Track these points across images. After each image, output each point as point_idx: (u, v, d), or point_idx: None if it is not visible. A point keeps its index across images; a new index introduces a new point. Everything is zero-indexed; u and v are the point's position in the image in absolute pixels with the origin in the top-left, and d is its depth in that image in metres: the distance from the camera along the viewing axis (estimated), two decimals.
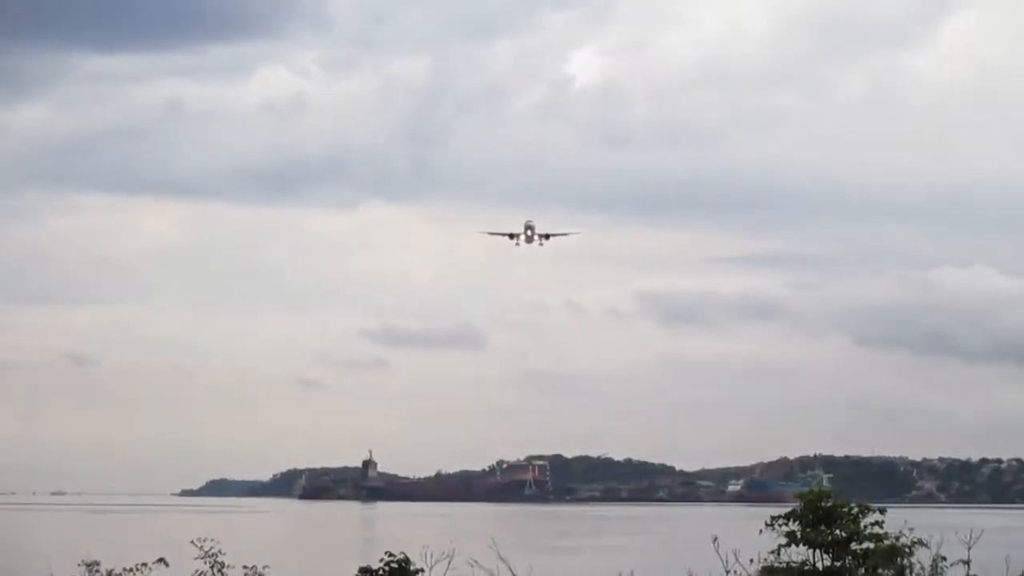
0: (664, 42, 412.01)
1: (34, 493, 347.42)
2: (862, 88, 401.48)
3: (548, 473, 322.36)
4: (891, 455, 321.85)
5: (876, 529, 28.90)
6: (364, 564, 27.02)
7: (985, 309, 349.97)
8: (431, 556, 26.77)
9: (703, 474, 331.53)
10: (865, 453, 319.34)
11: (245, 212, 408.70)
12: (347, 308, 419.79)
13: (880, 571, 28.51)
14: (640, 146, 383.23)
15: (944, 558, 28.66)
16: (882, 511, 29.41)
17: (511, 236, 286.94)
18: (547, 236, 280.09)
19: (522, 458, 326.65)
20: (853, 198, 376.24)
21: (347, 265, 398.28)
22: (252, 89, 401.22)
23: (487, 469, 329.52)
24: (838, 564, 28.68)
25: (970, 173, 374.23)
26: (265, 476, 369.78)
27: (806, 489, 30.36)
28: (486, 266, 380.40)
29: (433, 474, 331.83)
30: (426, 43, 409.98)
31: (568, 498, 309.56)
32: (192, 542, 26.47)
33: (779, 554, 28.85)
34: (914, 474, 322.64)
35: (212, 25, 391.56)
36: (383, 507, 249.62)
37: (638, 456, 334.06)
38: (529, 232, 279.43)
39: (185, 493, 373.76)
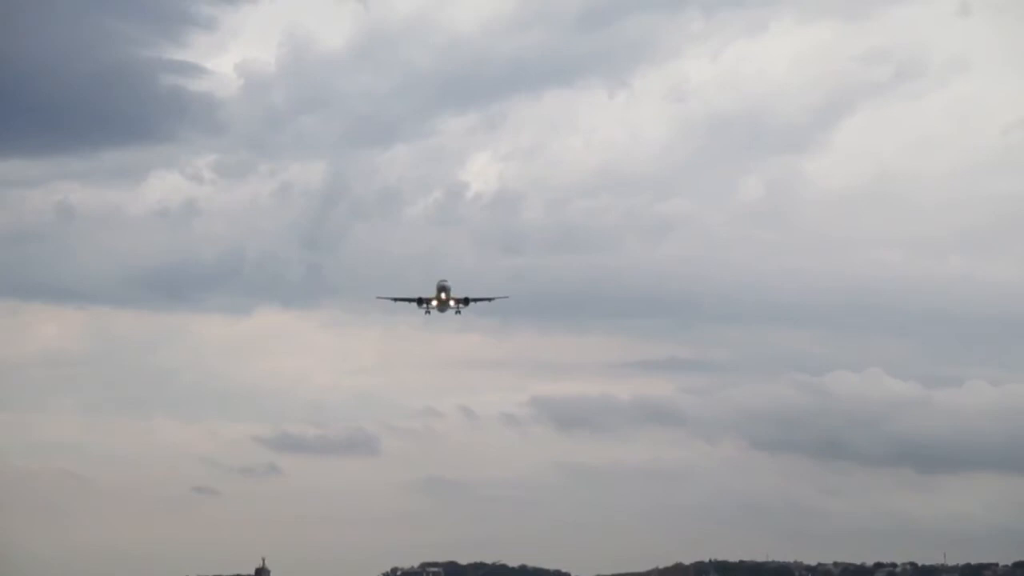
0: (560, 147, 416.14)
1: None
2: (757, 193, 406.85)
3: None
4: (786, 559, 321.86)
5: None
6: None
7: (879, 412, 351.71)
8: None
9: None
10: (760, 558, 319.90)
11: (139, 317, 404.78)
12: (241, 414, 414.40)
13: None
14: (535, 251, 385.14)
15: None
16: None
17: (420, 303, 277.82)
18: (466, 301, 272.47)
19: (416, 565, 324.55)
20: (748, 302, 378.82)
21: (241, 371, 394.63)
22: (146, 194, 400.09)
23: None
24: None
25: (864, 277, 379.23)
26: None
27: None
28: (381, 372, 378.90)
29: None
30: (322, 148, 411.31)
31: None
32: None
33: None
34: None
35: (105, 130, 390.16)
36: None
37: (533, 562, 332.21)
38: (443, 295, 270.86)
39: None
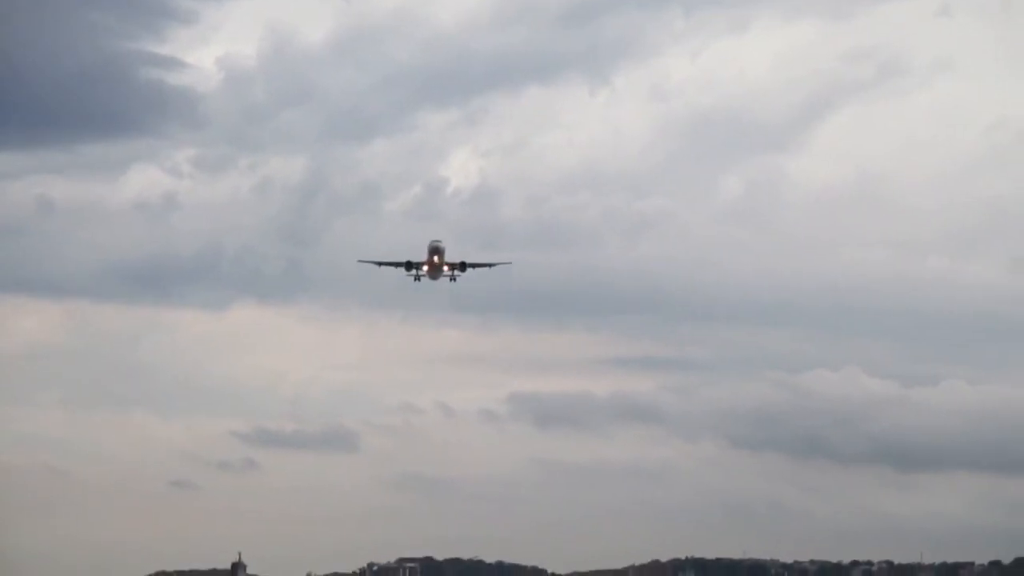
0: (540, 144, 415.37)
1: None
2: (738, 191, 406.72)
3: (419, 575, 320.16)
4: (763, 557, 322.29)
5: None
6: None
7: (857, 411, 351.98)
8: None
9: None
10: (736, 555, 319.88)
11: (117, 311, 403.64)
12: (219, 409, 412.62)
13: None
14: (515, 247, 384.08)
15: None
16: None
17: (409, 267, 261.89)
18: (463, 266, 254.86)
19: (393, 560, 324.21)
20: (727, 301, 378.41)
21: (219, 366, 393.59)
22: (125, 188, 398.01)
23: (357, 572, 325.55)
24: None
25: (843, 276, 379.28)
26: None
27: None
28: (360, 367, 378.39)
29: None
30: (302, 143, 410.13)
31: None
32: None
33: None
34: None
35: (85, 123, 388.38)
36: None
37: (510, 558, 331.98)
38: (436, 259, 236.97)
39: None
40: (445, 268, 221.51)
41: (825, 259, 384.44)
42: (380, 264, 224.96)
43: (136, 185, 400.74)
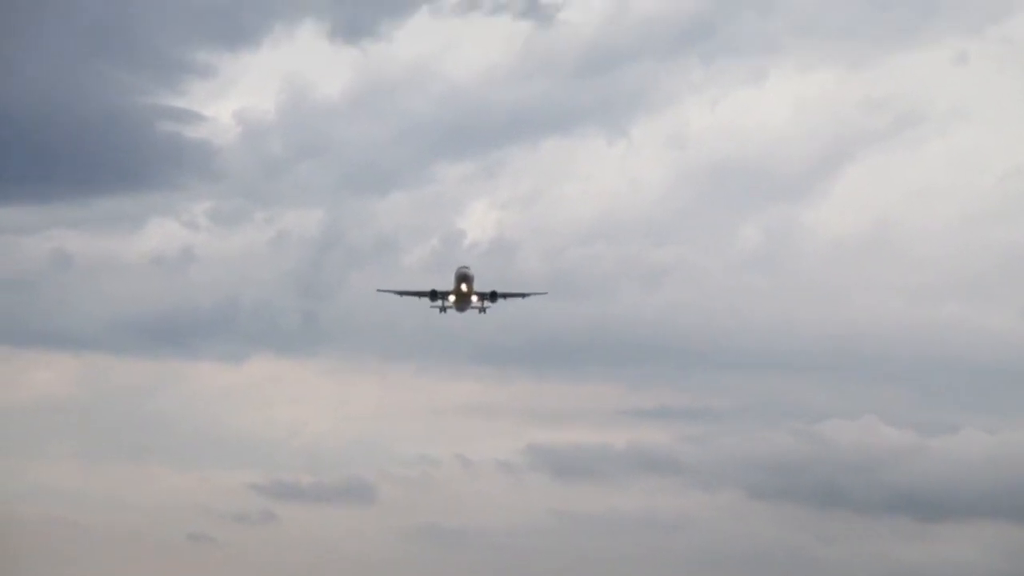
0: (557, 195, 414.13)
1: None
2: (756, 240, 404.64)
3: None
4: None
5: None
6: None
7: (875, 461, 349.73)
8: None
9: None
10: None
11: (134, 364, 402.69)
12: (236, 462, 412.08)
13: None
14: (532, 298, 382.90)
15: None
16: None
17: (434, 297, 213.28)
18: (493, 296, 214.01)
19: None
20: (744, 350, 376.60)
21: (236, 418, 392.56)
22: (141, 241, 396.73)
23: None
24: None
25: (861, 324, 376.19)
26: None
27: None
28: (377, 419, 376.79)
29: None
30: (319, 196, 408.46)
31: None
32: None
33: None
34: None
35: (101, 177, 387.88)
36: None
37: None
38: (464, 287, 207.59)
39: None
40: (474, 298, 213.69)
41: (842, 307, 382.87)
42: (402, 294, 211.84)
43: (153, 238, 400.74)
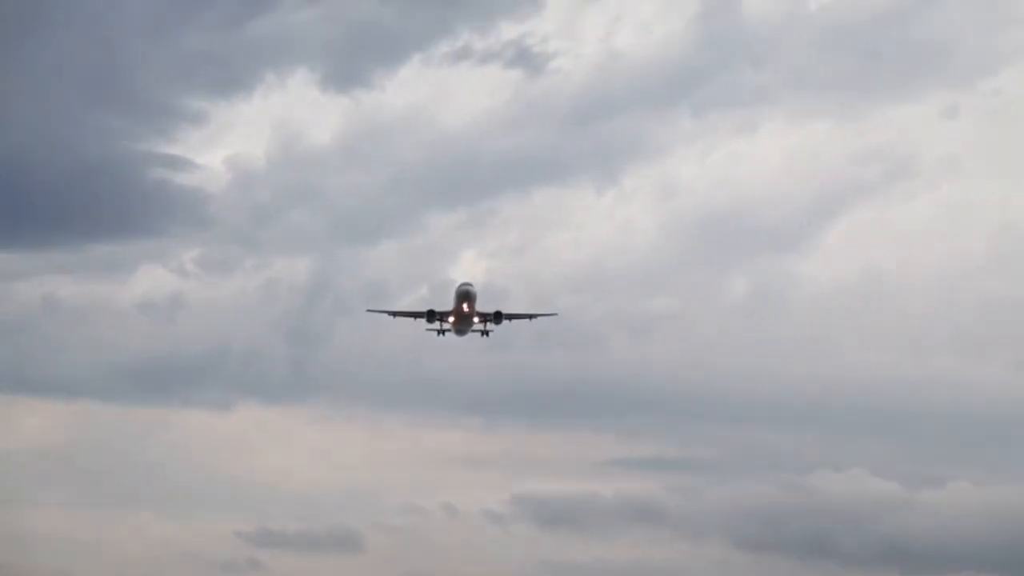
0: (548, 245, 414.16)
1: None
2: (745, 292, 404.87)
3: None
4: None
5: None
6: None
7: (863, 513, 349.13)
8: None
9: None
10: None
11: (122, 411, 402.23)
12: (224, 509, 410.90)
13: None
14: (520, 347, 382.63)
15: None
16: None
17: (431, 318, 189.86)
18: (497, 317, 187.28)
19: None
20: (731, 401, 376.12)
21: (224, 466, 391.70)
22: (131, 287, 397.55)
23: None
24: None
25: (849, 377, 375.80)
26: None
27: None
28: (364, 468, 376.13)
29: None
30: (309, 243, 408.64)
31: None
32: None
33: None
34: None
35: (92, 223, 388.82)
36: None
37: None
38: (466, 307, 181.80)
39: None
40: (476, 319, 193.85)
41: (831, 359, 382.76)
42: (395, 314, 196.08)
43: (143, 285, 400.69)
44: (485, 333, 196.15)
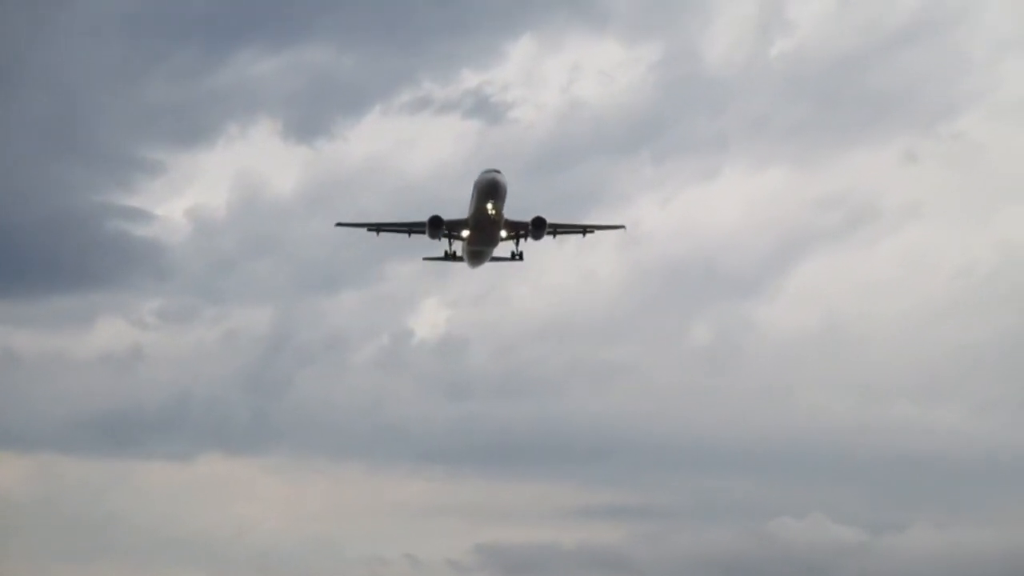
0: (508, 294, 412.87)
1: None
2: (706, 339, 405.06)
3: None
4: None
5: None
6: None
7: (824, 559, 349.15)
8: None
9: None
10: None
11: (82, 463, 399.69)
12: (185, 561, 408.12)
13: None
14: (482, 397, 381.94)
15: None
16: None
17: (434, 229, 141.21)
18: (538, 229, 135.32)
19: None
20: (693, 448, 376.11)
21: (186, 517, 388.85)
22: (91, 339, 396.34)
23: None
24: None
25: (810, 422, 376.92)
26: None
27: None
28: (326, 519, 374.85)
29: None
30: (269, 294, 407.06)
31: None
32: None
33: None
34: None
35: (51, 275, 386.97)
36: None
37: None
38: (491, 208, 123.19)
39: None
40: (502, 231, 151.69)
41: (792, 405, 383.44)
42: (377, 230, 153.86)
43: (102, 337, 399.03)
44: (517, 256, 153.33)
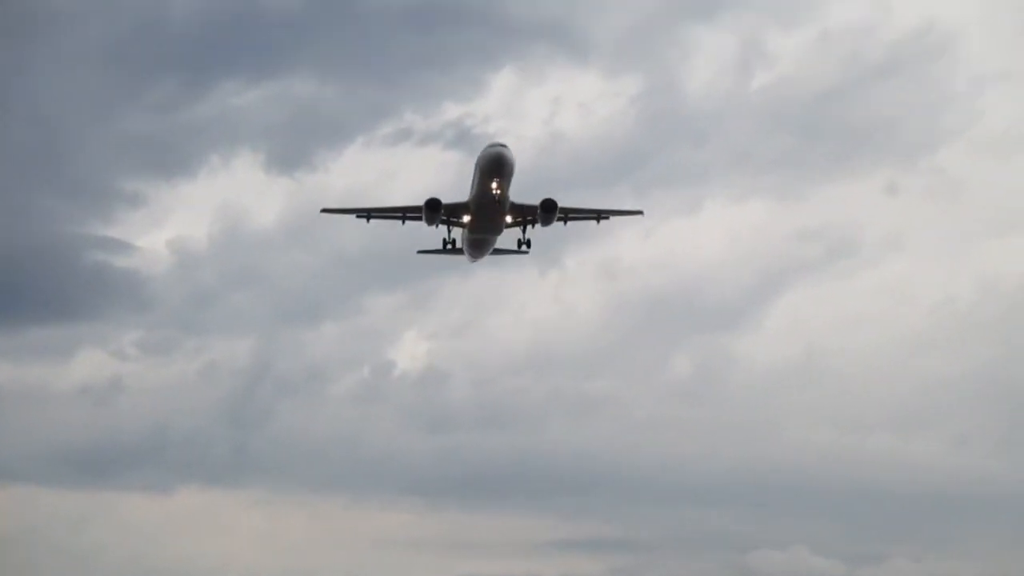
0: (488, 326, 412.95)
1: None
2: (686, 372, 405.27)
3: None
4: None
5: None
6: None
7: None
8: None
9: None
10: None
11: (61, 496, 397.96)
12: None
13: None
14: (461, 429, 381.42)
15: None
16: None
17: (431, 213, 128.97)
18: (547, 214, 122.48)
19: None
20: (673, 481, 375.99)
21: (165, 550, 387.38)
22: (70, 371, 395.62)
23: None
24: None
25: (789, 454, 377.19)
26: None
27: None
28: (305, 551, 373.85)
29: None
30: (249, 326, 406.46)
31: None
32: None
33: None
34: None
35: (30, 307, 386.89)
36: None
37: None
38: (496, 187, 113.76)
39: None
40: (508, 218, 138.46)
41: (771, 437, 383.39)
42: (368, 216, 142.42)
43: (82, 369, 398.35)
44: (524, 244, 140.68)
